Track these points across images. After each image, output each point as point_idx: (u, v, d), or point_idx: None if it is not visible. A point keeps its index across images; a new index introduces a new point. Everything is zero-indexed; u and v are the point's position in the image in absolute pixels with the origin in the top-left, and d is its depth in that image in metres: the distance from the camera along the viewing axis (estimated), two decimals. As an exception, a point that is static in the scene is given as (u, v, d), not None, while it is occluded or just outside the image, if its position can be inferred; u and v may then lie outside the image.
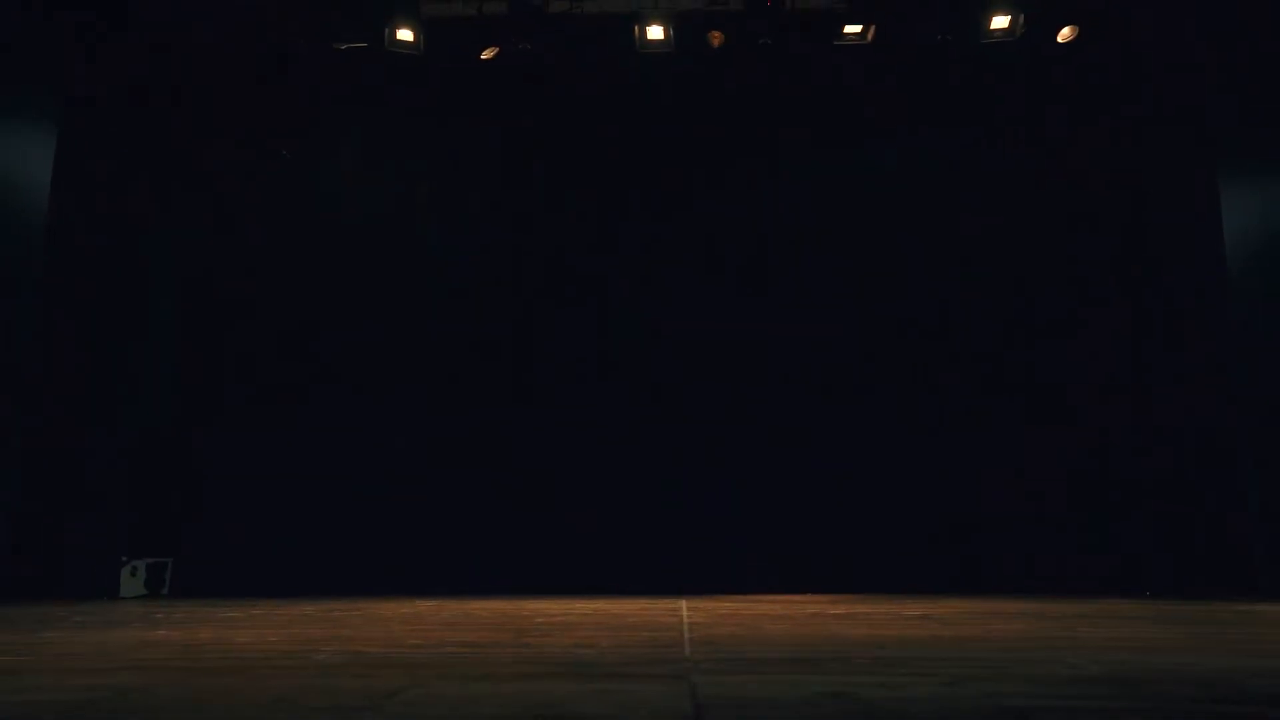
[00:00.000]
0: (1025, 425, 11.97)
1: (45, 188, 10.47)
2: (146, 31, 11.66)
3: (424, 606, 7.99)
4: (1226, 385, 11.22)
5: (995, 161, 12.99)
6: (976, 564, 11.46)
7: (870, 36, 12.19)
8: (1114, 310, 12.27)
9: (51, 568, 10.49)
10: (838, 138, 13.25)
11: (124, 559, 10.95)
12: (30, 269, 10.38)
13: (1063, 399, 12.03)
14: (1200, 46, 11.89)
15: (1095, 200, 12.65)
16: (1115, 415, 11.89)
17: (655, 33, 11.95)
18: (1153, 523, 11.46)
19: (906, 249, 12.76)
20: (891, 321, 12.53)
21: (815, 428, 12.11)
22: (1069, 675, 2.95)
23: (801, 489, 11.91)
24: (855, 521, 11.71)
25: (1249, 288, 11.10)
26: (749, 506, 11.90)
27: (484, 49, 12.42)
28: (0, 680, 2.95)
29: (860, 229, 12.89)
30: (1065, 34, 12.05)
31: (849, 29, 12.12)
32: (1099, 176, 12.68)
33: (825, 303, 12.58)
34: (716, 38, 12.29)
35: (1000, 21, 11.86)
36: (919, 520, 11.70)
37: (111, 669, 3.23)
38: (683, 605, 7.83)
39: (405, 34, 12.10)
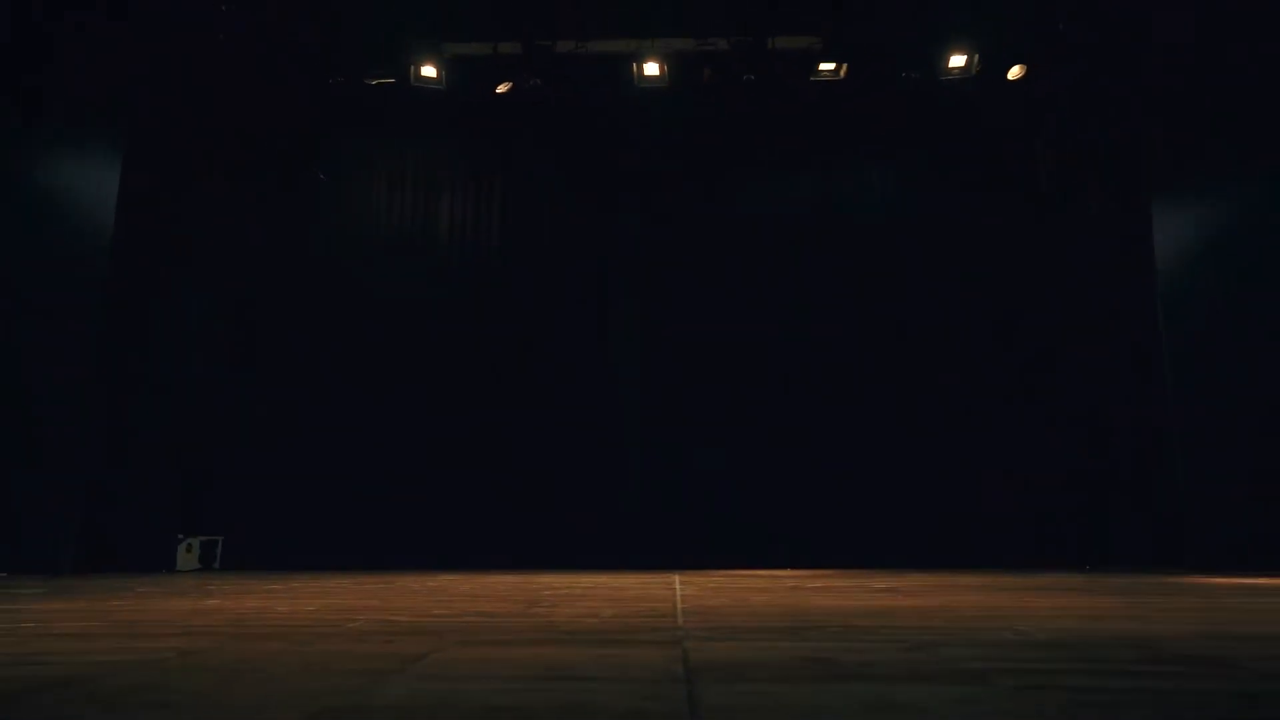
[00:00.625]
0: (984, 427, 12.02)
1: (111, 206, 10.49)
2: (200, 73, 11.70)
3: (446, 580, 7.98)
4: (1160, 390, 11.27)
5: (961, 182, 13.02)
6: (939, 544, 11.49)
7: (843, 73, 12.27)
8: (1063, 318, 12.31)
9: (118, 545, 10.50)
10: (815, 157, 13.28)
11: (180, 537, 10.98)
12: (96, 283, 10.40)
13: (1017, 405, 12.08)
14: (1135, 86, 11.95)
15: (1050, 224, 12.70)
16: (1067, 419, 11.92)
17: (651, 69, 12.04)
18: (1091, 511, 11.52)
19: (879, 259, 12.80)
20: (868, 323, 12.57)
21: (804, 423, 12.14)
22: (1019, 640, 2.96)
23: (774, 473, 11.96)
24: (826, 505, 11.76)
25: (1178, 302, 11.14)
26: (735, 491, 11.93)
27: (499, 83, 12.47)
28: (74, 643, 2.96)
29: (850, 237, 12.98)
30: (1015, 72, 12.14)
31: (824, 66, 12.22)
32: (1051, 201, 12.75)
33: (806, 304, 12.64)
34: (706, 74, 12.34)
35: (958, 60, 11.96)
36: (884, 503, 11.75)
37: (171, 634, 3.24)
38: (676, 580, 7.83)
39: (429, 70, 12.19)
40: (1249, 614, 4.08)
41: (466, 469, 11.98)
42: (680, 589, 6.20)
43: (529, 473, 12.01)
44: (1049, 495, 11.64)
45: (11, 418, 9.83)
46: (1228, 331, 10.54)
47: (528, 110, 12.84)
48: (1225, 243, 10.76)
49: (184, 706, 1.86)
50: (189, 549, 11.05)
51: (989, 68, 12.13)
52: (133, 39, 10.63)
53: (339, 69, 12.60)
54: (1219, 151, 10.84)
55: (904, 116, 12.84)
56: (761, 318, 12.52)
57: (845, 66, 12.25)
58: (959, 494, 11.70)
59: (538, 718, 1.68)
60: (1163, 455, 11.16)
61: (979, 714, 1.73)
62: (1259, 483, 10.05)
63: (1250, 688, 2.04)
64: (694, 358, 12.37)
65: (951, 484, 11.75)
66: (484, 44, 12.26)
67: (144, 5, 10.55)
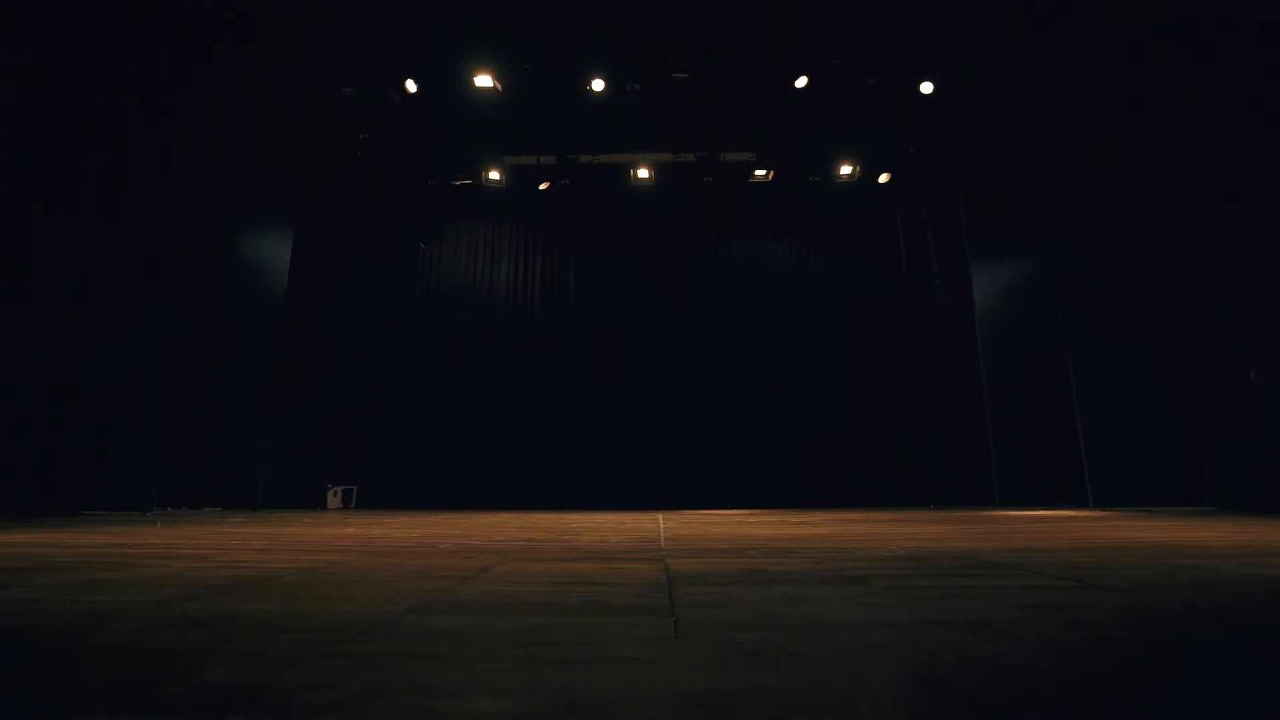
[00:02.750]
0: (869, 419, 12.05)
1: (286, 270, 10.55)
2: (340, 180, 11.76)
3: (505, 517, 7.98)
4: (978, 390, 11.35)
5: (846, 251, 13.09)
6: (834, 493, 11.52)
7: (771, 177, 12.34)
8: (917, 344, 12.37)
9: (290, 490, 10.51)
10: (751, 232, 13.31)
11: (329, 485, 10.96)
12: (278, 314, 10.45)
13: (884, 405, 12.10)
14: (958, 188, 12.08)
15: (906, 279, 12.77)
16: (920, 413, 11.97)
17: (643, 173, 12.09)
18: (935, 469, 11.56)
19: (791, 303, 12.85)
20: (788, 342, 12.61)
21: (741, 415, 12.15)
22: (887, 556, 2.98)
23: (728, 448, 11.97)
24: (761, 467, 11.78)
25: (988, 329, 11.26)
26: (701, 458, 11.94)
27: (540, 183, 12.53)
28: (264, 555, 2.97)
29: (766, 280, 12.99)
30: (883, 178, 12.24)
31: (758, 172, 12.28)
32: (907, 262, 12.84)
33: (747, 326, 12.68)
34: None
35: (846, 169, 12.03)
36: (801, 465, 11.78)
37: (324, 550, 3.24)
38: (660, 517, 7.83)
39: (494, 174, 12.22)
40: (1036, 535, 4.11)
41: (514, 445, 11.99)
42: (663, 524, 6.21)
43: (559, 446, 12.01)
44: (907, 460, 11.68)
45: (219, 406, 9.85)
46: (1022, 351, 10.69)
47: (559, 201, 12.90)
48: (1019, 294, 10.96)
49: (334, 597, 1.88)
50: (335, 494, 11.01)
51: (866, 174, 12.23)
52: (294, 160, 10.68)
53: (434, 174, 12.65)
54: (1014, 233, 11.04)
55: (810, 206, 12.92)
56: (718, 338, 12.58)
57: (772, 172, 12.33)
58: (851, 459, 11.73)
59: (568, 609, 1.70)
60: (980, 432, 11.22)
61: (861, 603, 1.75)
62: (1039, 449, 10.17)
63: (1035, 582, 2.07)
64: (677, 370, 12.41)
65: (845, 453, 11.78)
66: (530, 156, 12.32)
67: (297, 143, 10.60)
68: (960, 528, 5.04)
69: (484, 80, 10.05)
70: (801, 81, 10.13)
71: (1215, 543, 3.43)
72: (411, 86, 10.18)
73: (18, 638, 1.43)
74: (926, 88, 10.14)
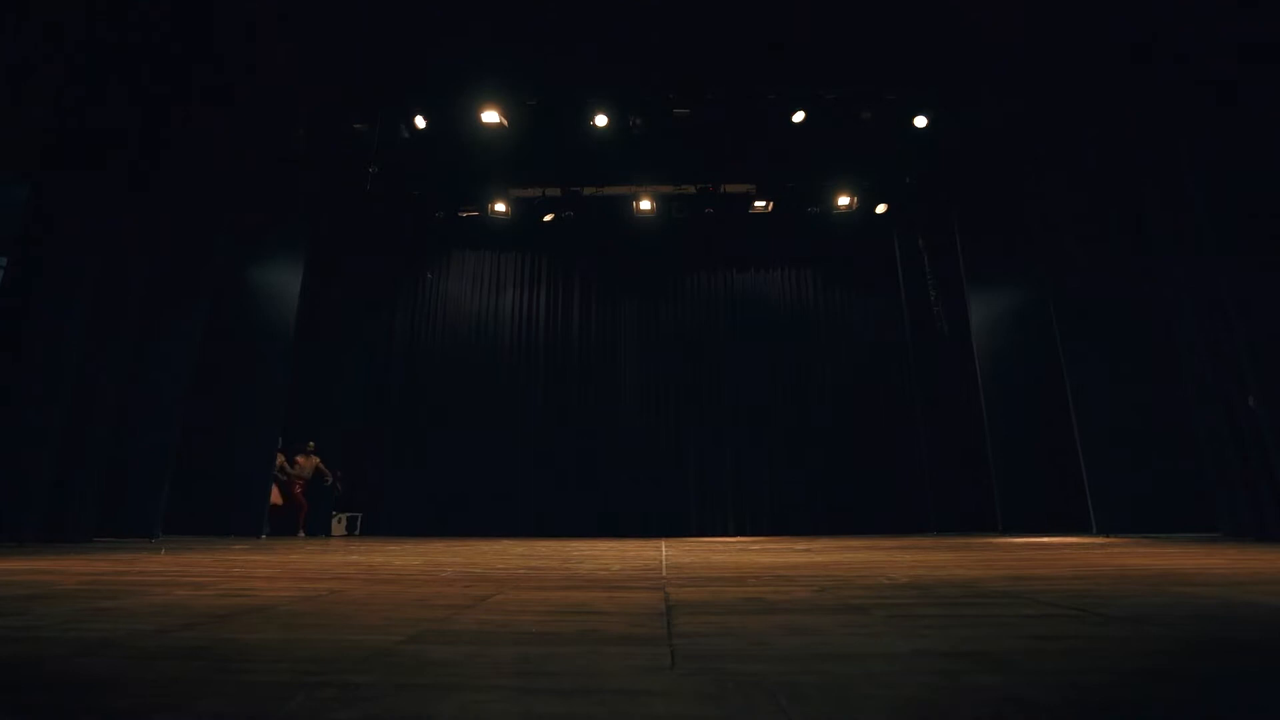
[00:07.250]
0: (866, 440, 12.00)
1: (295, 298, 10.59)
2: (351, 212, 11.87)
3: (506, 544, 7.90)
4: (978, 412, 11.28)
5: (845, 278, 13.16)
6: (838, 519, 11.39)
7: (770, 208, 12.44)
8: (915, 367, 12.35)
9: (296, 519, 10.41)
10: (750, 262, 13.41)
11: (334, 513, 10.89)
12: (286, 349, 10.46)
13: (884, 431, 12.05)
14: (953, 215, 12.14)
15: (902, 305, 12.80)
16: (918, 435, 11.91)
17: (645, 205, 12.20)
18: (937, 495, 11.44)
19: (791, 329, 12.88)
20: (789, 370, 12.60)
21: (740, 442, 12.11)
22: (889, 584, 2.93)
23: (726, 476, 11.87)
24: (762, 494, 11.66)
25: (987, 356, 11.22)
26: (702, 488, 11.83)
27: (545, 215, 12.65)
28: (265, 583, 2.94)
29: (765, 310, 13.02)
30: (880, 208, 12.33)
31: (757, 204, 12.38)
32: (904, 290, 12.88)
33: (747, 355, 12.67)
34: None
35: (844, 200, 12.13)
36: (803, 493, 11.66)
37: (326, 578, 3.21)
38: (662, 545, 7.74)
39: (500, 206, 12.35)
40: (1039, 562, 4.05)
41: (519, 472, 11.93)
42: (665, 552, 6.14)
43: (562, 474, 11.95)
44: (909, 486, 11.59)
45: (226, 434, 9.82)
46: (1022, 376, 10.63)
47: (564, 232, 13.04)
48: (1018, 319, 10.93)
49: (334, 626, 1.85)
50: (340, 522, 10.96)
51: (864, 205, 12.36)
52: (305, 192, 10.82)
53: (442, 206, 12.82)
54: (1011, 259, 11.07)
55: (809, 236, 13.05)
56: (720, 366, 12.59)
57: (771, 204, 12.46)
58: (853, 486, 11.64)
59: (566, 638, 1.68)
60: (980, 457, 11.12)
61: (861, 634, 1.72)
62: (1040, 474, 10.06)
63: (1039, 611, 2.03)
64: (679, 398, 12.39)
65: (847, 480, 11.70)
66: (536, 189, 12.49)
67: (308, 176, 10.77)
68: (962, 555, 4.96)
69: (491, 116, 10.23)
70: (799, 116, 10.31)
71: (1222, 570, 3.37)
72: (420, 122, 10.38)
73: (11, 668, 1.41)
74: (920, 121, 10.29)
